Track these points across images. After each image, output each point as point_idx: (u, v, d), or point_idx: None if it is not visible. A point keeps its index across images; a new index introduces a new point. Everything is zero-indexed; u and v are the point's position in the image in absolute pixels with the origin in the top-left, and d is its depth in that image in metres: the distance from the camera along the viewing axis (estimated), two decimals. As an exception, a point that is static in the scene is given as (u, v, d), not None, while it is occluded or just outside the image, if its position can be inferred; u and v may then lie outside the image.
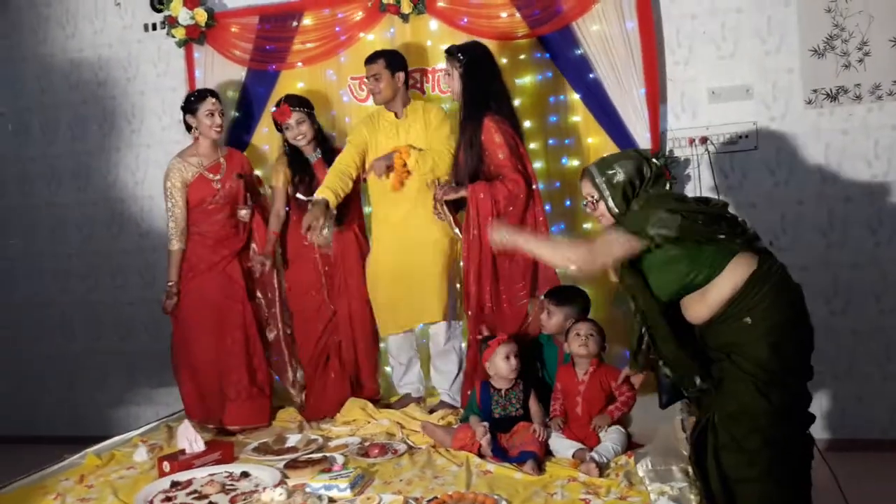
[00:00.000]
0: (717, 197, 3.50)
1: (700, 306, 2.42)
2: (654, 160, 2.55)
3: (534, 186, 3.41)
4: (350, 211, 3.74)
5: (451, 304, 3.57)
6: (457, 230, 3.46)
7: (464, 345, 3.62)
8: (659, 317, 2.45)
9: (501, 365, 3.03)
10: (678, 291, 2.44)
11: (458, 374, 3.57)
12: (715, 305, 2.38)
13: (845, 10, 3.68)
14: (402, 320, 3.63)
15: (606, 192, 2.49)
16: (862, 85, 3.69)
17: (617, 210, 2.49)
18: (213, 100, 3.73)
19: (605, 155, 2.64)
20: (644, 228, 2.37)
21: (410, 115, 3.62)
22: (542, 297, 3.27)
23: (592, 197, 2.53)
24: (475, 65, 3.38)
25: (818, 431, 2.85)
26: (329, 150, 3.78)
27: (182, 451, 2.95)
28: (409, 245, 3.54)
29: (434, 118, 3.59)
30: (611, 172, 2.48)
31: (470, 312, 3.40)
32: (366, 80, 3.69)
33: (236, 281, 3.72)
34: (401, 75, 3.60)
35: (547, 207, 3.61)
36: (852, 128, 3.73)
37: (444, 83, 3.62)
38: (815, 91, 3.75)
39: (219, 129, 3.74)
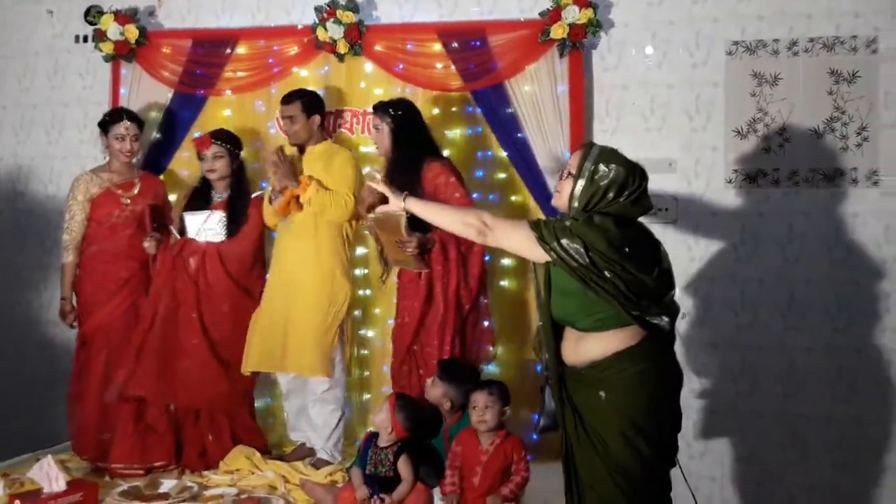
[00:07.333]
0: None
1: (572, 344, 2.35)
2: (643, 183, 2.35)
3: None
4: None
5: (340, 358, 3.47)
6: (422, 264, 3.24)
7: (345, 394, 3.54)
8: (548, 322, 2.36)
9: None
10: (563, 319, 2.35)
11: (336, 428, 3.43)
12: (583, 355, 2.31)
13: (769, 95, 3.75)
14: (269, 360, 3.45)
15: (582, 181, 2.30)
16: (780, 169, 3.75)
17: (576, 204, 2.31)
18: (127, 123, 3.62)
19: (616, 149, 2.39)
20: (551, 242, 2.23)
21: (314, 154, 3.53)
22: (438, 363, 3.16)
23: (570, 173, 2.35)
24: (406, 120, 3.36)
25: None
26: (241, 196, 3.65)
27: (40, 490, 2.75)
28: (297, 286, 3.42)
29: (338, 161, 3.49)
30: (604, 170, 2.29)
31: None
32: (280, 118, 3.62)
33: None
34: (316, 118, 3.55)
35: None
36: (768, 210, 3.78)
37: (370, 138, 3.55)
38: (735, 171, 3.80)
39: (128, 154, 3.63)
